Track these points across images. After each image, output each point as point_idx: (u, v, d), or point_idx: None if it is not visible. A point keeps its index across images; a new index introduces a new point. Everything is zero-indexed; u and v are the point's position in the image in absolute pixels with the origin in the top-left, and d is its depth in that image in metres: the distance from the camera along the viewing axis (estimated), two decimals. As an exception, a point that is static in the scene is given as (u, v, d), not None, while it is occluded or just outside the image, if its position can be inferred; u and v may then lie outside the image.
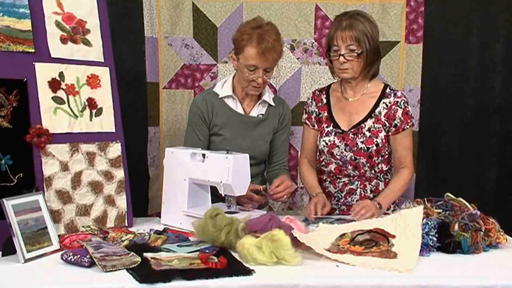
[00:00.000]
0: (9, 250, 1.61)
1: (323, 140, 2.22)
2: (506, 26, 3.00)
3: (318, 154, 2.34)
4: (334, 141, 2.19)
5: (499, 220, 1.81)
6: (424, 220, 1.75)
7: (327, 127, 2.23)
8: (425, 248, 1.68)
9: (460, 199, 1.85)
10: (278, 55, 2.17)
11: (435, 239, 1.70)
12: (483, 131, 3.07)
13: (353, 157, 2.18)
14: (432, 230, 1.71)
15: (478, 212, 1.77)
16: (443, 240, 1.71)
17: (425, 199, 1.90)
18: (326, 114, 2.25)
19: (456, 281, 1.49)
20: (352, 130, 2.18)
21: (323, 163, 2.28)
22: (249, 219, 1.76)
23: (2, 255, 1.63)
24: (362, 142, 2.16)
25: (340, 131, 2.20)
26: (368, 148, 2.16)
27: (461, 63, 3.04)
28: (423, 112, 3.06)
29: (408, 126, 2.16)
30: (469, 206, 1.81)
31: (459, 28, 3.02)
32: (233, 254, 1.64)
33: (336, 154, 2.21)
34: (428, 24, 3.02)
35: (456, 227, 1.72)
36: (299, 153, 3.07)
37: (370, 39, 2.07)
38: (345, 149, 2.18)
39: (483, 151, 3.08)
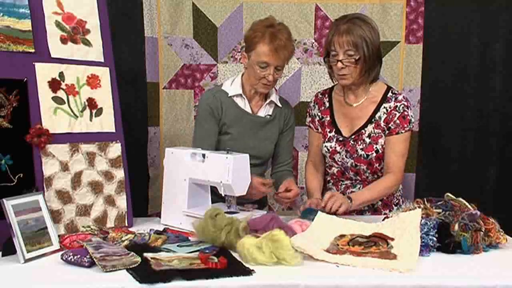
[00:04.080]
0: (9, 250, 1.61)
1: (325, 146, 2.21)
2: (506, 26, 3.00)
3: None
4: (335, 147, 2.18)
5: (499, 220, 1.81)
6: (424, 220, 1.75)
7: (329, 132, 2.21)
8: (425, 248, 1.68)
9: (460, 199, 1.85)
10: (289, 54, 2.17)
11: (435, 239, 1.70)
12: (483, 131, 3.08)
13: (353, 164, 2.17)
14: (432, 230, 1.71)
15: (478, 212, 1.77)
16: (443, 240, 1.71)
17: (425, 199, 1.90)
18: (328, 118, 2.22)
19: (456, 281, 1.49)
20: (352, 136, 2.15)
21: (327, 165, 2.28)
22: (250, 218, 1.76)
23: (2, 255, 1.63)
24: (361, 149, 2.13)
25: (341, 138, 2.17)
26: (367, 156, 2.13)
27: (461, 63, 3.04)
28: (423, 112, 3.06)
29: (403, 131, 2.10)
30: (469, 206, 1.81)
31: (459, 28, 3.02)
32: (233, 254, 1.64)
33: (338, 160, 2.20)
34: (428, 24, 3.02)
35: (456, 227, 1.72)
36: (299, 153, 3.09)
37: (369, 44, 2.01)
38: (345, 156, 2.17)
39: (483, 151, 3.09)
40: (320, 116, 2.24)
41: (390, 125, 2.11)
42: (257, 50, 2.14)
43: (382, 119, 2.12)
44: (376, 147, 2.13)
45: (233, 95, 2.28)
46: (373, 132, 2.13)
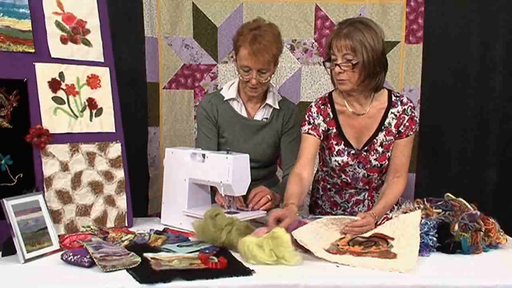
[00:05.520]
0: (9, 250, 1.61)
1: (335, 160, 2.13)
2: (506, 26, 3.00)
3: (321, 163, 2.29)
4: (347, 161, 2.12)
5: (499, 220, 1.81)
6: (424, 220, 1.75)
7: (337, 144, 2.12)
8: (425, 248, 1.68)
9: (460, 199, 1.85)
10: (272, 57, 2.12)
11: (435, 239, 1.70)
12: (483, 131, 3.07)
13: (366, 174, 2.13)
14: (432, 230, 1.71)
15: (478, 212, 1.77)
16: (443, 240, 1.71)
17: (425, 199, 1.90)
18: (335, 130, 2.12)
19: (456, 281, 1.49)
20: (365, 147, 2.09)
21: (330, 174, 2.23)
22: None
23: (2, 255, 1.63)
24: (375, 159, 2.09)
25: (354, 151, 2.10)
26: (381, 165, 2.10)
27: (461, 63, 3.04)
28: (423, 112, 3.06)
29: (412, 132, 2.07)
30: (469, 206, 1.81)
31: (459, 28, 3.01)
32: (233, 254, 1.64)
33: (348, 171, 2.15)
34: (428, 24, 3.02)
35: (456, 227, 1.72)
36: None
37: (369, 50, 1.92)
38: (358, 166, 2.13)
39: (483, 151, 3.08)
40: (326, 128, 2.13)
41: (400, 128, 2.06)
42: (239, 53, 2.13)
43: (393, 125, 2.07)
44: (388, 155, 2.09)
45: (229, 99, 2.27)
46: (385, 140, 2.08)
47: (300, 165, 2.07)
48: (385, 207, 1.97)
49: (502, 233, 1.79)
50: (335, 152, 2.13)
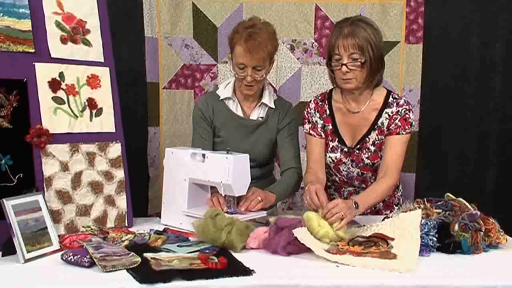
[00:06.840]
0: (9, 250, 1.61)
1: (329, 156, 2.15)
2: (506, 26, 3.00)
3: None
4: (340, 158, 2.13)
5: (499, 220, 1.81)
6: (424, 220, 1.75)
7: (331, 141, 2.14)
8: (425, 249, 1.68)
9: (460, 199, 1.85)
10: (267, 54, 2.13)
11: (435, 239, 1.70)
12: (483, 131, 3.08)
13: (359, 173, 2.14)
14: (432, 230, 1.71)
15: (478, 212, 1.77)
16: (443, 240, 1.71)
17: (425, 199, 1.90)
18: (330, 127, 2.14)
19: (456, 281, 1.49)
20: (357, 146, 2.10)
21: (328, 171, 2.23)
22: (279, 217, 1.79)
23: (2, 255, 1.63)
24: (367, 158, 2.09)
25: (346, 148, 2.12)
26: (373, 164, 2.10)
27: (461, 63, 3.04)
28: (423, 112, 3.06)
29: (404, 132, 2.03)
30: (469, 206, 1.80)
31: (459, 28, 3.02)
32: (233, 254, 1.64)
33: (343, 170, 2.16)
34: (428, 24, 3.02)
35: (456, 227, 1.72)
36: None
37: (374, 47, 1.94)
38: (351, 165, 2.13)
39: (483, 151, 3.09)
40: (323, 124, 2.16)
41: (391, 126, 2.05)
42: (234, 51, 2.15)
43: (385, 124, 2.06)
44: (380, 154, 2.08)
45: (224, 98, 2.28)
46: (377, 139, 2.08)
47: (312, 164, 2.14)
48: (369, 195, 1.95)
49: (502, 233, 1.79)
50: (329, 149, 2.15)
